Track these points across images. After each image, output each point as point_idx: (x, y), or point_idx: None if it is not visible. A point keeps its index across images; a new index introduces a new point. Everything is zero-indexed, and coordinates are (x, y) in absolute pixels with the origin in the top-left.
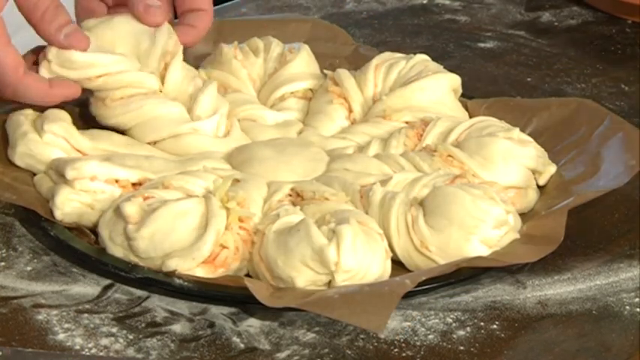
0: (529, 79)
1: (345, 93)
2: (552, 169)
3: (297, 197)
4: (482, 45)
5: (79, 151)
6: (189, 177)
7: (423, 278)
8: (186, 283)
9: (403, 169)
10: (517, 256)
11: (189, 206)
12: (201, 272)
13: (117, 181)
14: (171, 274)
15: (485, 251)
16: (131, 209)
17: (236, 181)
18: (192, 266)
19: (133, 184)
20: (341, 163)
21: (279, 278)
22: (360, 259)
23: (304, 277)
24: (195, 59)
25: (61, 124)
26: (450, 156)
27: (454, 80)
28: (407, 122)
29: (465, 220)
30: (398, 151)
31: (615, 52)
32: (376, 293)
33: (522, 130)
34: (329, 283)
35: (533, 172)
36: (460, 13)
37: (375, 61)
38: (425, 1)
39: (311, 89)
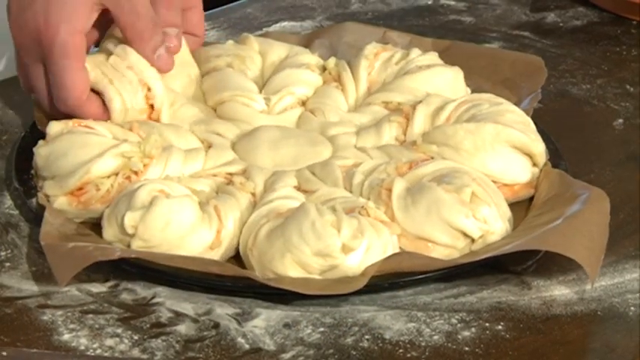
0: None
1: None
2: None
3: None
4: (487, 45)
5: None
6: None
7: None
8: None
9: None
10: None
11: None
12: (64, 202)
13: None
14: (179, 269)
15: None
16: (56, 127)
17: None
18: (58, 194)
19: None
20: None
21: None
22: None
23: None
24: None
25: None
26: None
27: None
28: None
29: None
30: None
31: (620, 52)
32: None
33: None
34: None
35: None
36: (465, 14)
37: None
38: (430, 2)
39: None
